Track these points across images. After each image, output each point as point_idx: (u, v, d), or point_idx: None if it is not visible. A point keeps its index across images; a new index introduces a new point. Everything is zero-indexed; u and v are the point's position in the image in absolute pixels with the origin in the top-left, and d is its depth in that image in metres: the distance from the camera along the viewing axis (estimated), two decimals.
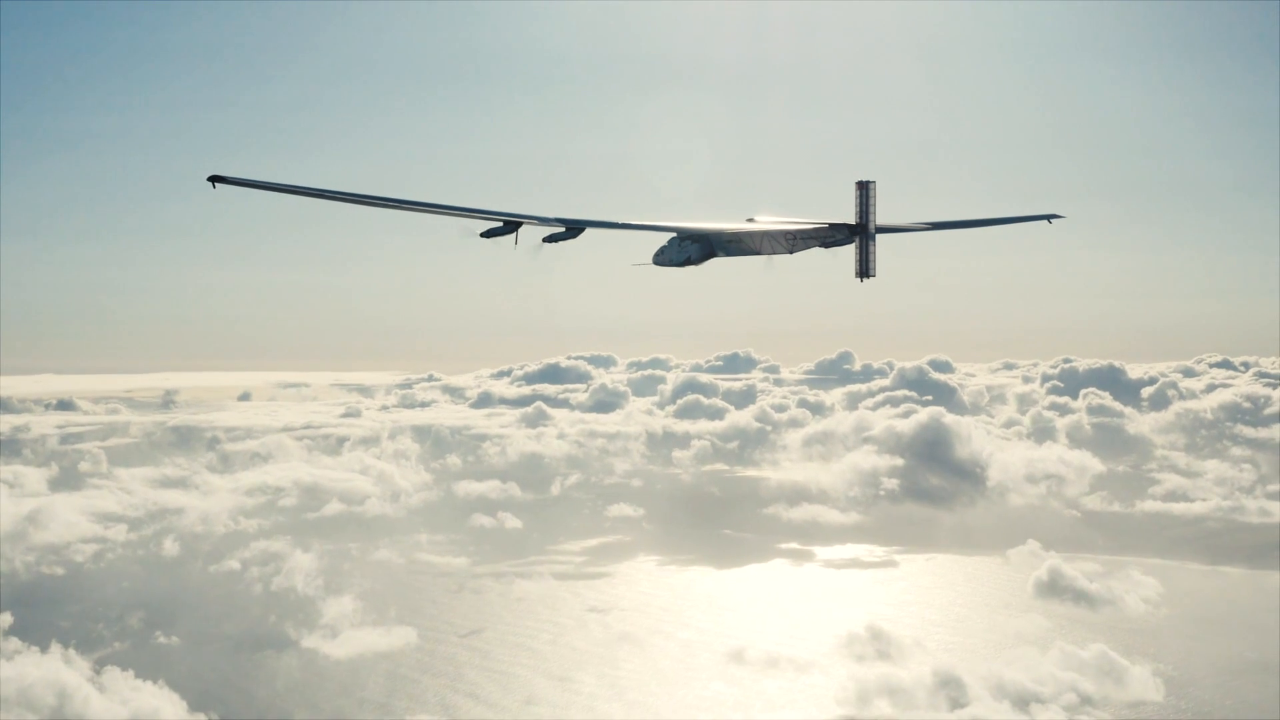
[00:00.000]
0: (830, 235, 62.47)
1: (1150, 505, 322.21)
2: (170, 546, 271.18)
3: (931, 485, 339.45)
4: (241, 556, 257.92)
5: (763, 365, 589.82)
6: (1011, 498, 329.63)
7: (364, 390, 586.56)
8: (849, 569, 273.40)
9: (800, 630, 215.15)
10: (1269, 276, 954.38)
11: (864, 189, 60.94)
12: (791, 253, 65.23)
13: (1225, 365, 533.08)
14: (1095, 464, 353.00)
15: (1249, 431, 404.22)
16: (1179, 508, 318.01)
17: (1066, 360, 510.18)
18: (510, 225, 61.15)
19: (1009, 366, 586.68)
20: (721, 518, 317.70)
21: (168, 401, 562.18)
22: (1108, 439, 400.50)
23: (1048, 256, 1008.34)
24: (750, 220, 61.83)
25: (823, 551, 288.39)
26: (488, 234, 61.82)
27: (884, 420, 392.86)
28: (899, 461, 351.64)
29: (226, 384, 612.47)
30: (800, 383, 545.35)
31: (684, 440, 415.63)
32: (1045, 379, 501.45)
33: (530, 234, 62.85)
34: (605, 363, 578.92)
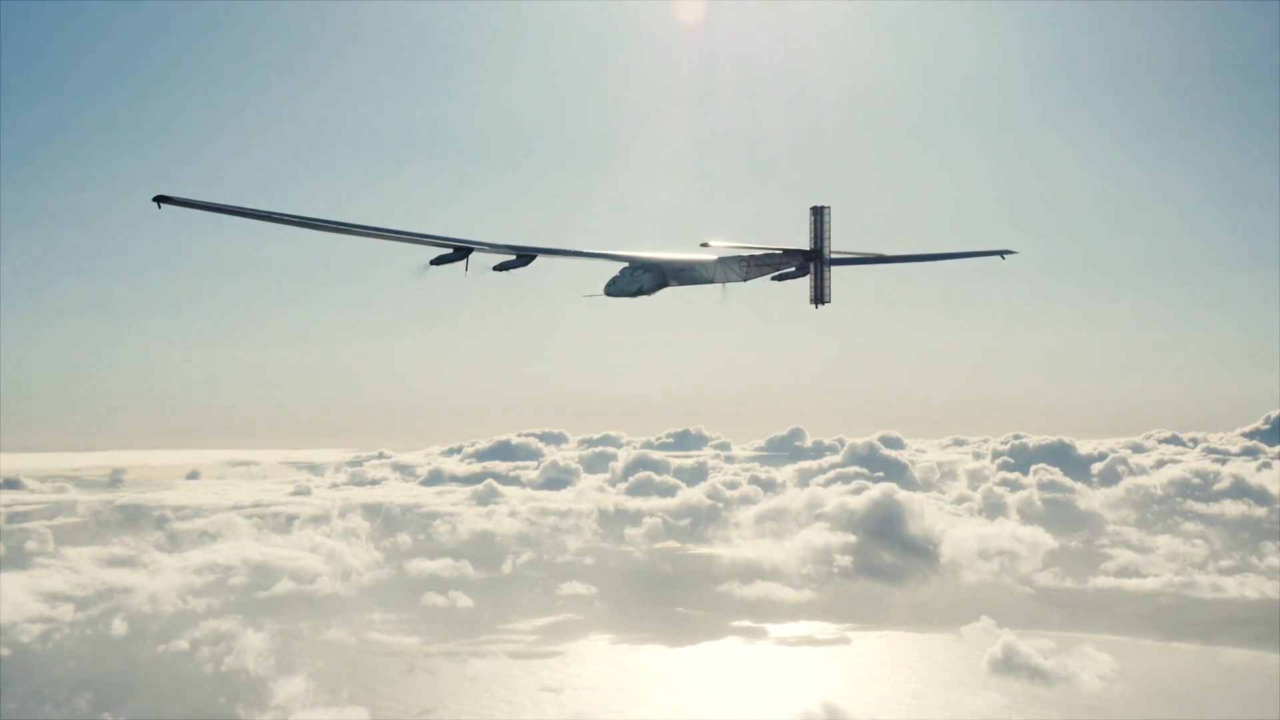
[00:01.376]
0: (784, 261, 62.01)
1: (1103, 581, 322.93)
2: (119, 626, 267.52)
3: (885, 562, 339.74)
4: (191, 636, 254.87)
5: (714, 442, 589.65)
6: (965, 574, 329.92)
7: (314, 468, 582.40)
8: (802, 646, 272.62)
9: (755, 709, 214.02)
10: (1217, 353, 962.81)
11: (818, 214, 60.79)
12: (745, 280, 64.50)
13: (1174, 441, 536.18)
14: (1047, 540, 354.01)
15: (1199, 507, 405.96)
16: (1132, 583, 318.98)
17: (1017, 436, 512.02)
18: (460, 251, 60.50)
19: (959, 443, 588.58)
20: (674, 595, 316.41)
21: (115, 480, 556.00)
22: (1059, 515, 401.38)
23: (996, 333, 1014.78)
24: (704, 245, 60.55)
25: (776, 629, 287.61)
26: (437, 261, 60.98)
27: (836, 497, 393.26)
28: (852, 538, 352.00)
29: (175, 462, 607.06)
30: (751, 459, 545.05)
31: (636, 518, 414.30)
32: (996, 455, 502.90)
33: (481, 263, 62.12)
34: (556, 440, 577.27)
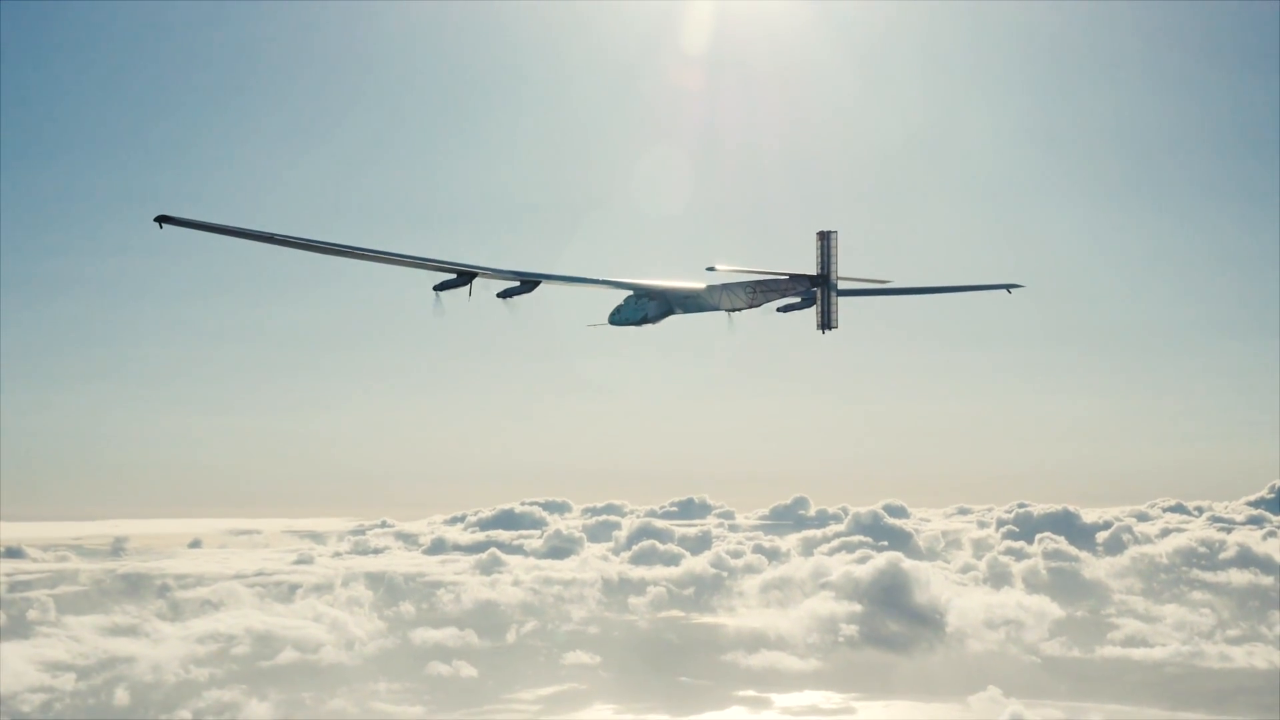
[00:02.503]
0: (791, 286, 61.71)
1: (1110, 650, 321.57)
2: (121, 696, 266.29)
3: (890, 631, 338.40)
4: (194, 706, 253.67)
5: (717, 511, 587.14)
6: (971, 643, 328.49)
7: (316, 537, 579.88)
8: (808, 716, 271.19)
9: None
10: (1221, 421, 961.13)
11: (825, 239, 60.38)
12: (751, 306, 64.06)
13: (1179, 510, 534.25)
14: (1054, 609, 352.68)
15: (1205, 576, 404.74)
16: (1139, 653, 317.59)
17: (1021, 505, 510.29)
18: (464, 276, 60.05)
19: (963, 511, 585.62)
20: (679, 665, 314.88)
21: (117, 549, 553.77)
22: (1065, 584, 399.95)
23: (998, 401, 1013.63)
24: (711, 269, 60.05)
25: (781, 699, 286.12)
26: (441, 287, 60.40)
27: (841, 566, 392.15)
28: (857, 607, 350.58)
29: (177, 531, 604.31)
30: (755, 528, 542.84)
31: (640, 587, 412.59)
32: (1000, 524, 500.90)
33: (485, 289, 61.79)
34: (560, 508, 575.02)
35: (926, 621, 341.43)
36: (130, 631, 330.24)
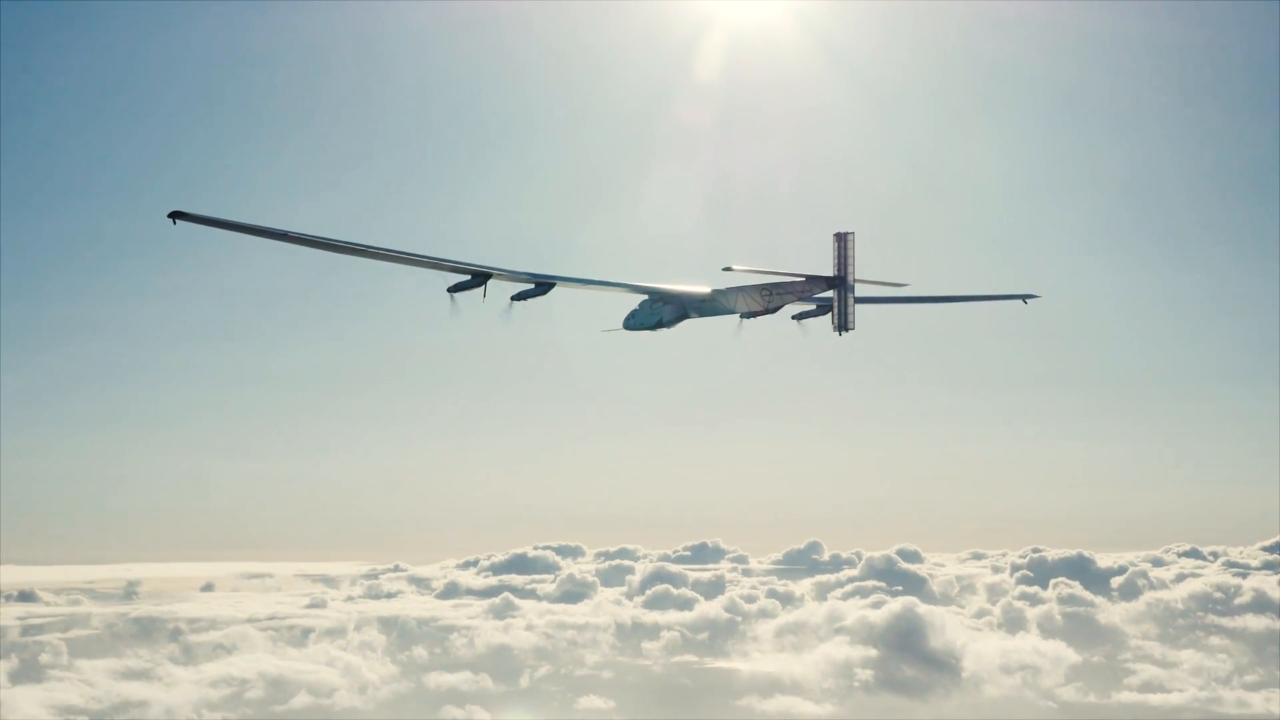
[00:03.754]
0: (807, 288, 61.47)
1: (1127, 696, 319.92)
2: None
3: (906, 676, 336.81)
4: None
5: (731, 555, 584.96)
6: (987, 689, 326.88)
7: (328, 581, 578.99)
8: None
9: None
10: (1235, 466, 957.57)
11: (842, 240, 60.16)
12: (767, 309, 63.76)
13: (1194, 555, 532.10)
14: (1070, 654, 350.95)
15: (1221, 621, 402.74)
16: (1156, 698, 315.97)
17: (1035, 550, 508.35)
18: (478, 278, 60.00)
19: (977, 556, 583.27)
20: (693, 709, 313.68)
21: (129, 592, 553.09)
22: (1080, 629, 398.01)
23: (1010, 445, 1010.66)
24: (727, 269, 59.90)
25: None
26: (455, 289, 60.41)
27: (856, 611, 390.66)
28: (873, 652, 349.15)
29: (189, 574, 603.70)
30: (769, 573, 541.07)
31: (654, 631, 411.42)
32: (1014, 569, 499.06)
33: (499, 292, 61.49)
34: (573, 553, 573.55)
35: (942, 667, 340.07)
36: (143, 675, 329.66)
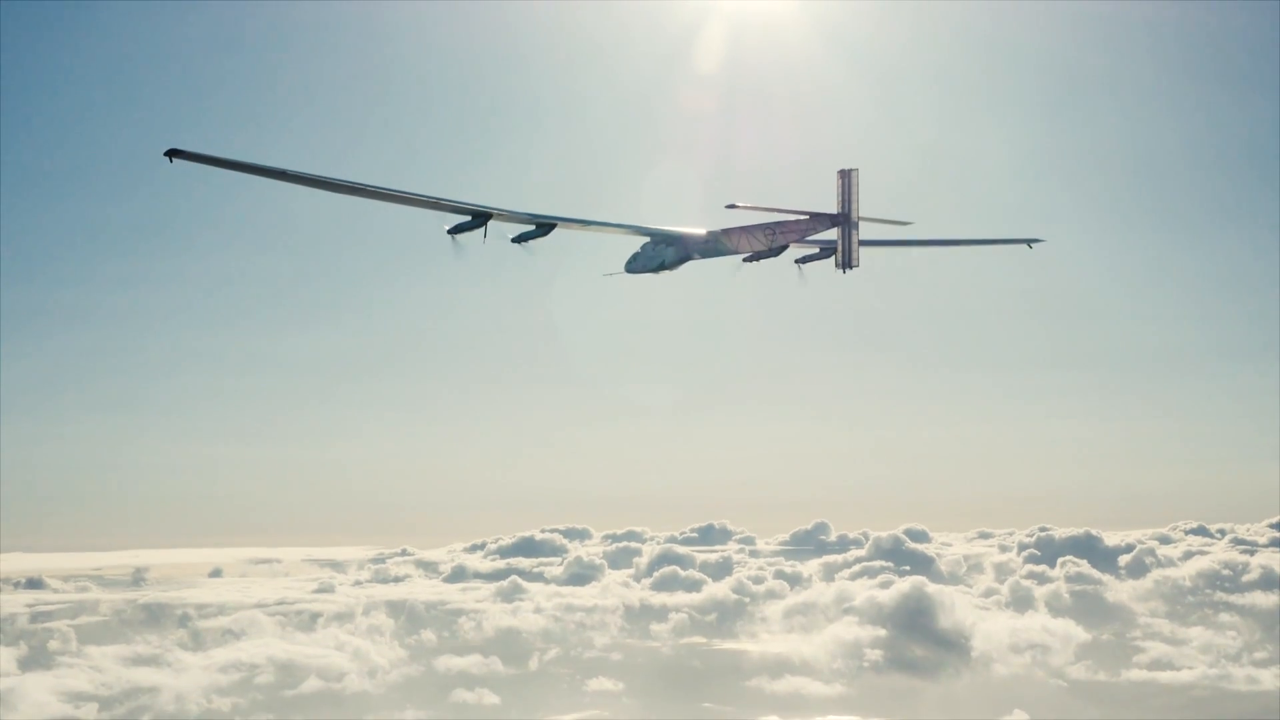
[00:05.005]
0: (811, 226, 60.75)
1: (1136, 674, 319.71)
2: None
3: (915, 656, 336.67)
4: None
5: (738, 537, 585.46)
6: (997, 667, 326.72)
7: (336, 565, 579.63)
8: None
9: None
10: (1242, 443, 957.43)
11: (846, 177, 59.44)
12: (770, 249, 63.12)
13: (1201, 532, 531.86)
14: (1079, 632, 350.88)
15: (1230, 598, 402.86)
16: (1165, 676, 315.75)
17: (1042, 528, 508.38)
18: (479, 218, 59.60)
19: (984, 535, 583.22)
20: (702, 691, 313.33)
21: (138, 579, 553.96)
22: (1088, 607, 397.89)
23: (1015, 424, 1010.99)
24: (730, 207, 59.05)
25: None
26: (455, 230, 59.96)
27: (864, 591, 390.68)
28: (882, 632, 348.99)
29: (197, 560, 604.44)
30: (776, 554, 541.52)
31: (662, 613, 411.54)
32: (1022, 547, 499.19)
33: (500, 234, 60.99)
34: (580, 535, 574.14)
35: (951, 646, 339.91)
36: (152, 661, 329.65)
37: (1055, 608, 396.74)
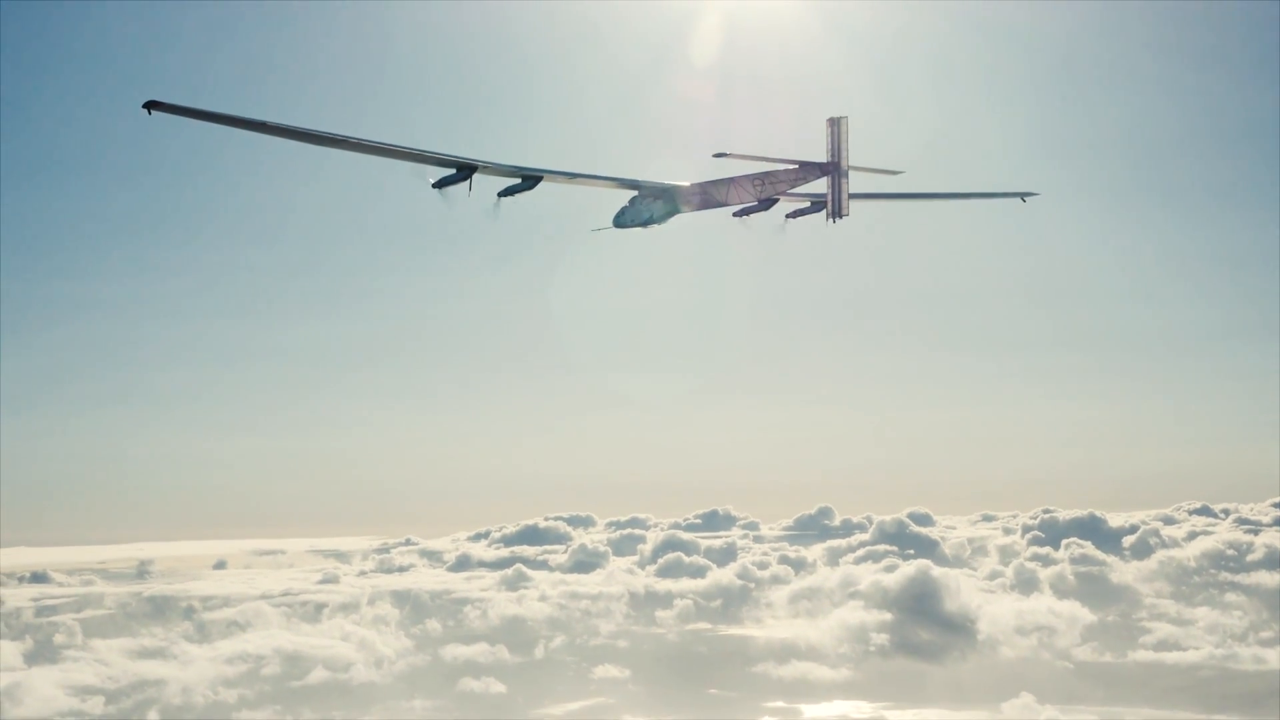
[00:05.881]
0: (801, 176, 60.18)
1: (1142, 655, 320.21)
2: (151, 718, 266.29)
3: (921, 639, 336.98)
4: None
5: (742, 522, 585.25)
6: (1003, 650, 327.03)
7: (340, 556, 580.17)
8: None
9: None
10: (1245, 423, 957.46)
11: (835, 125, 58.99)
12: (760, 202, 62.77)
13: (1205, 512, 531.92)
14: (1084, 614, 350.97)
15: (1235, 578, 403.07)
16: (1172, 656, 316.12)
17: (1046, 510, 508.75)
18: (464, 171, 59.16)
19: (988, 518, 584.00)
20: (709, 677, 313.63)
21: (142, 572, 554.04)
22: (1093, 589, 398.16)
23: (1015, 406, 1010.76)
24: (719, 155, 58.60)
25: (811, 709, 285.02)
26: (440, 184, 59.43)
27: (869, 575, 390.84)
28: (887, 616, 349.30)
29: (201, 552, 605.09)
30: (780, 539, 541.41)
31: (667, 599, 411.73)
32: (1026, 530, 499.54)
33: (486, 188, 60.67)
34: (584, 523, 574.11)
35: (957, 629, 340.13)
36: (158, 654, 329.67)
37: (1060, 590, 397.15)
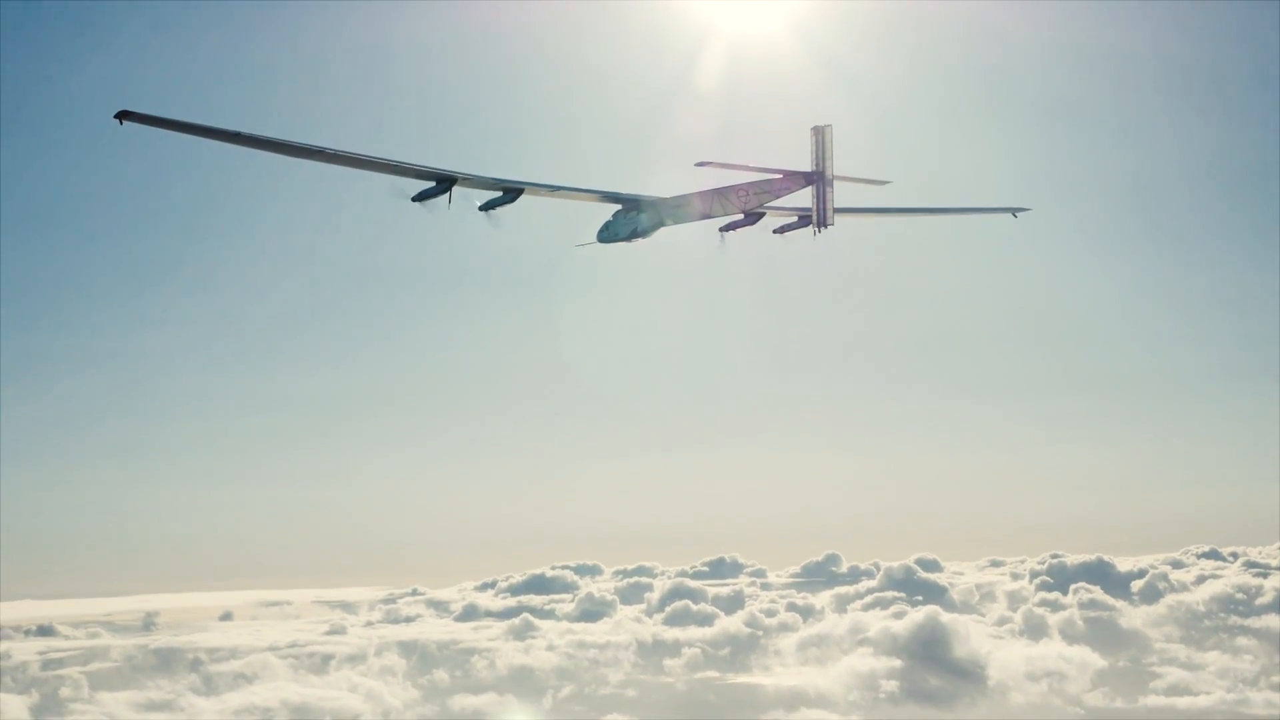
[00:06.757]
0: (785, 186, 59.45)
1: (1154, 700, 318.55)
2: None
3: (931, 686, 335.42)
4: None
5: (749, 569, 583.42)
6: (1013, 696, 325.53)
7: (347, 607, 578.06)
8: None
9: None
10: (1252, 466, 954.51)
11: (819, 134, 58.40)
12: (745, 214, 62.14)
13: (1213, 556, 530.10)
14: (1095, 659, 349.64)
15: (1245, 622, 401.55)
16: (1183, 702, 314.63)
17: (1054, 555, 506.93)
18: (443, 183, 58.54)
19: (996, 563, 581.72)
20: None
21: (148, 624, 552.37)
22: (1102, 634, 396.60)
23: (1019, 451, 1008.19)
24: (701, 164, 57.82)
25: None
26: (420, 197, 58.81)
27: (878, 621, 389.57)
28: (897, 663, 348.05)
29: (207, 604, 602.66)
30: (788, 586, 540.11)
31: (675, 648, 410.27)
32: (1034, 575, 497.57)
33: (466, 202, 59.98)
34: (591, 571, 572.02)
35: (968, 675, 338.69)
36: (165, 707, 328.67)
37: (1069, 635, 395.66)
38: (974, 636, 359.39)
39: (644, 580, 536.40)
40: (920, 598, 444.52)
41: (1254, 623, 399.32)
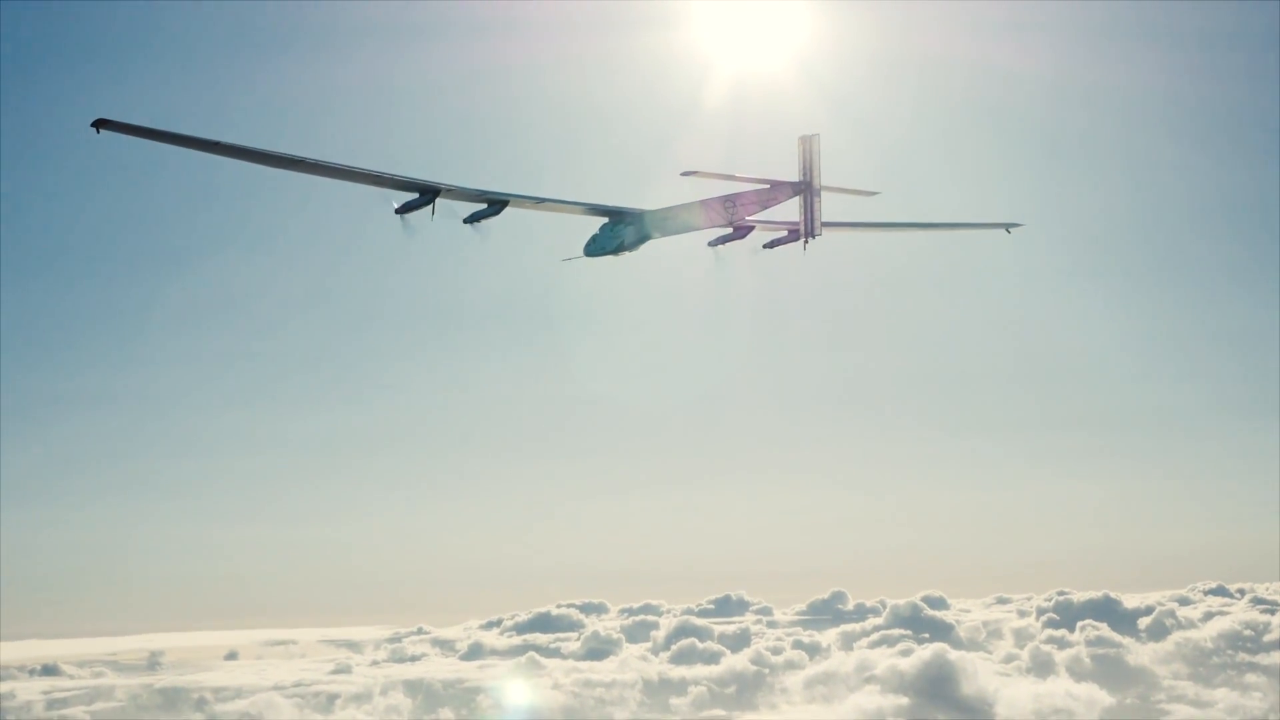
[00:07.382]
0: (773, 196, 59.06)
1: None
2: None
3: None
4: None
5: (755, 607, 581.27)
6: None
7: (352, 645, 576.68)
8: None
9: None
10: (1258, 502, 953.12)
11: (807, 143, 58.02)
12: (736, 230, 61.75)
13: (1221, 592, 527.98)
14: (1103, 697, 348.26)
15: (1253, 659, 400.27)
16: None
17: (1061, 593, 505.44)
18: (426, 195, 57.78)
19: (1002, 600, 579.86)
20: None
21: (153, 663, 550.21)
22: (1110, 671, 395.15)
23: (1025, 488, 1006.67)
24: (687, 174, 57.66)
25: None
26: (403, 209, 58.01)
27: (885, 659, 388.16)
28: (904, 700, 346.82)
29: (212, 643, 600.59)
30: (794, 624, 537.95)
31: (681, 686, 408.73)
32: (1041, 612, 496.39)
33: (449, 214, 59.20)
34: (596, 609, 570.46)
35: (975, 713, 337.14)
36: None
37: (1077, 672, 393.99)
38: (981, 674, 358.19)
39: (650, 618, 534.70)
40: (927, 635, 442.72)
41: (1262, 659, 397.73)
